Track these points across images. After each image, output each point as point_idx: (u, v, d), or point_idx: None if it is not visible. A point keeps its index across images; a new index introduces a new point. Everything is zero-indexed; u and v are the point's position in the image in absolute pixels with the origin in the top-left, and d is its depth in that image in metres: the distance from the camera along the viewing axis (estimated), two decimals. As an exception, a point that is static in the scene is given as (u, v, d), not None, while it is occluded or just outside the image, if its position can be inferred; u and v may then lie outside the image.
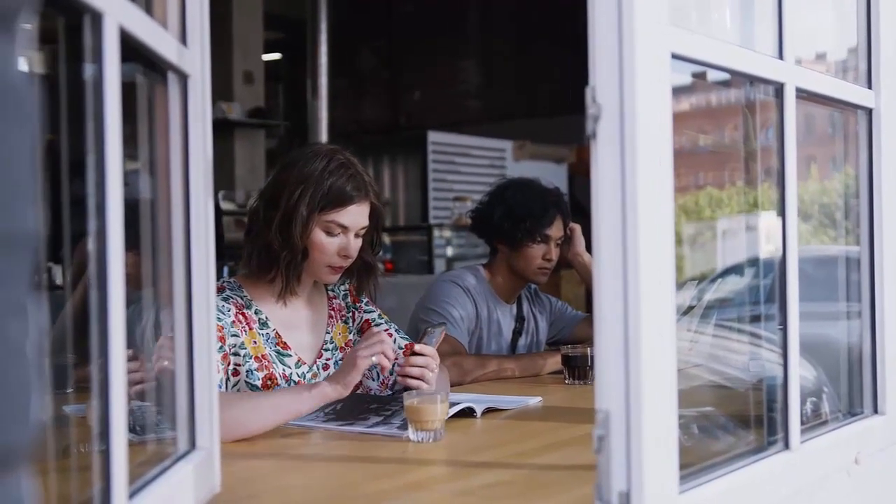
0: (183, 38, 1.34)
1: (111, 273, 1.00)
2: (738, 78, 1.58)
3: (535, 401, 2.33)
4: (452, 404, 2.02)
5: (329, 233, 2.16)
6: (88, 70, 1.01)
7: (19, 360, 0.57)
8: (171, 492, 1.23)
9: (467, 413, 2.09)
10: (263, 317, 2.20)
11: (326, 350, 2.30)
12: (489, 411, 2.16)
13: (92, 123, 1.01)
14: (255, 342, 2.15)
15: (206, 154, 1.38)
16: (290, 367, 2.19)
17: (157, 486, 1.19)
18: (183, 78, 1.34)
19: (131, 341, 1.07)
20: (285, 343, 2.21)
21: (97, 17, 0.99)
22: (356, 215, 2.18)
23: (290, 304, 2.24)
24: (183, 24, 1.35)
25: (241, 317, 2.15)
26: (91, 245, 1.00)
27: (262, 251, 2.17)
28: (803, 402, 1.61)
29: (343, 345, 2.33)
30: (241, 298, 2.19)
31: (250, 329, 2.16)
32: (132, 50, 1.11)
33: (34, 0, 0.61)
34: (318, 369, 2.25)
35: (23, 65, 0.59)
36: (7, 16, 0.57)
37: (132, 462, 1.06)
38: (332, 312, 2.35)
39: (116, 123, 1.02)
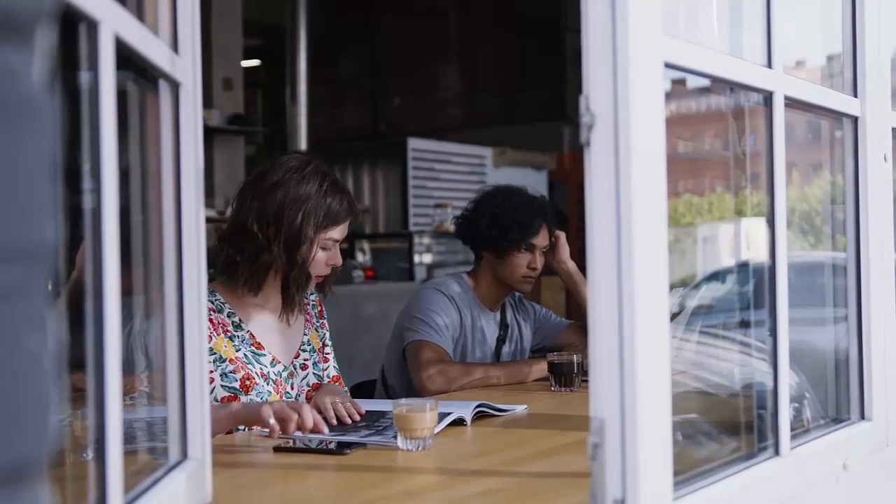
0: (175, 46, 1.34)
1: (107, 281, 1.00)
2: (720, 85, 1.59)
3: (521, 409, 2.34)
4: (442, 415, 2.02)
5: (324, 248, 2.26)
6: (83, 77, 1.01)
7: (39, 372, 0.57)
8: (163, 502, 1.22)
9: (457, 422, 2.09)
10: (237, 319, 2.26)
11: (304, 350, 2.38)
12: (479, 417, 2.16)
13: (87, 131, 1.00)
14: (226, 346, 2.20)
15: (198, 162, 1.38)
16: (266, 366, 2.25)
17: (151, 497, 1.18)
18: (175, 86, 1.33)
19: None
20: (259, 343, 2.27)
21: (93, 26, 0.99)
22: (346, 228, 2.31)
23: (267, 307, 2.30)
24: (174, 32, 1.34)
25: (208, 322, 2.17)
26: (87, 252, 0.99)
27: (263, 270, 2.23)
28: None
29: (317, 349, 2.42)
30: (212, 302, 2.23)
31: (219, 335, 2.21)
32: (124, 58, 1.11)
33: (50, 11, 0.61)
34: (295, 368, 2.34)
35: (40, 76, 0.59)
36: (24, 27, 0.57)
37: (124, 472, 1.05)
38: (308, 317, 2.43)
39: (112, 131, 1.01)
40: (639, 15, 1.16)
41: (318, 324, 2.45)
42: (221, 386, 2.17)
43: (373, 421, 2.11)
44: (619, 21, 1.15)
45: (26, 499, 0.56)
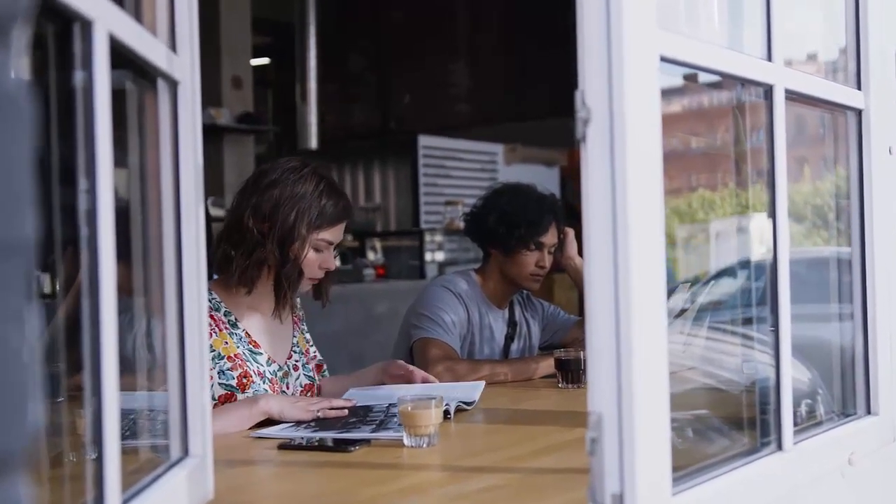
0: (172, 45, 1.34)
1: (103, 281, 1.00)
2: (729, 80, 1.58)
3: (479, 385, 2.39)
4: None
5: (317, 250, 2.29)
6: (78, 77, 1.01)
7: (17, 366, 0.58)
8: (164, 499, 1.22)
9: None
10: (233, 318, 2.29)
11: (295, 352, 2.42)
12: (487, 413, 2.17)
13: (82, 130, 1.00)
14: (226, 343, 2.24)
15: (197, 161, 1.38)
16: (262, 365, 2.29)
17: (151, 494, 1.19)
18: (173, 85, 1.34)
19: (123, 350, 1.07)
20: (256, 342, 2.30)
21: (87, 25, 0.99)
22: (341, 232, 2.34)
23: (260, 309, 2.33)
24: (172, 31, 1.35)
25: (209, 318, 2.19)
26: (83, 253, 1.00)
27: (256, 266, 2.25)
28: (798, 405, 1.62)
29: (304, 351, 2.46)
30: (210, 302, 2.25)
31: (220, 331, 2.24)
32: (121, 56, 1.11)
33: (29, 8, 0.61)
34: (289, 368, 2.38)
35: (18, 72, 0.59)
36: (2, 24, 0.57)
37: (124, 469, 1.06)
38: (296, 320, 2.48)
39: (107, 130, 1.02)
40: (633, 8, 1.16)
41: (303, 327, 2.51)
42: (219, 384, 2.19)
43: (364, 416, 2.10)
44: (614, 15, 1.14)
45: (4, 490, 0.56)
